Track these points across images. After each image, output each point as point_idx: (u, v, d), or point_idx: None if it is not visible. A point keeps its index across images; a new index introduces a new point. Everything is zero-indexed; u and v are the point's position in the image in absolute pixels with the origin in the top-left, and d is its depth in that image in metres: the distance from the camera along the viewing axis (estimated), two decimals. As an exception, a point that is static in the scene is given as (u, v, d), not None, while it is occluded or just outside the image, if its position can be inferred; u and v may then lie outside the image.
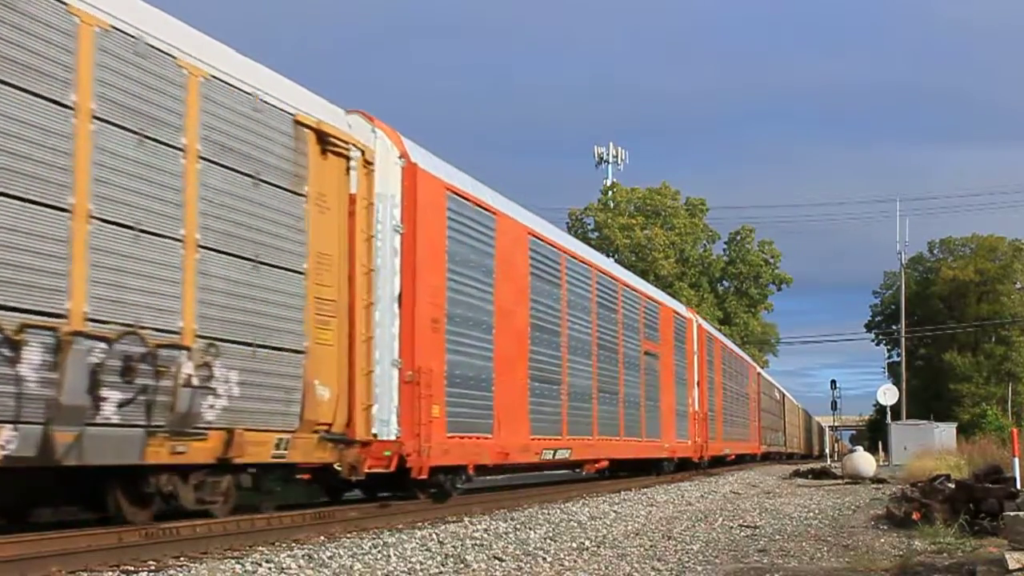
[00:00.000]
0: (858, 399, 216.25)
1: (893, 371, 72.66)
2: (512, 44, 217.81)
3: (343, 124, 11.63)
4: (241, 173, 9.77)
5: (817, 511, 16.16)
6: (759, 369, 49.23)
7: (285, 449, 10.26)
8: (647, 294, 24.89)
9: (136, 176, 8.49)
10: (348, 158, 11.49)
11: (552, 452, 17.05)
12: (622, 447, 21.48)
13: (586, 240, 53.54)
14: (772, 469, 39.50)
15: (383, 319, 11.97)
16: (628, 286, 22.92)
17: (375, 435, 11.68)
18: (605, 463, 21.02)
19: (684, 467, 28.69)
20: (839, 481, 27.85)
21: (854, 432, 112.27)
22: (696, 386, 29.35)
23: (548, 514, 13.70)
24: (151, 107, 8.71)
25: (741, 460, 40.38)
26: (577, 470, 21.50)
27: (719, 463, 35.26)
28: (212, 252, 9.34)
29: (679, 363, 27.33)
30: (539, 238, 17.08)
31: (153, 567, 7.78)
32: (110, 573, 7.46)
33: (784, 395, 61.36)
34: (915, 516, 12.69)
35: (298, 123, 10.67)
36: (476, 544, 10.05)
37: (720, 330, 46.46)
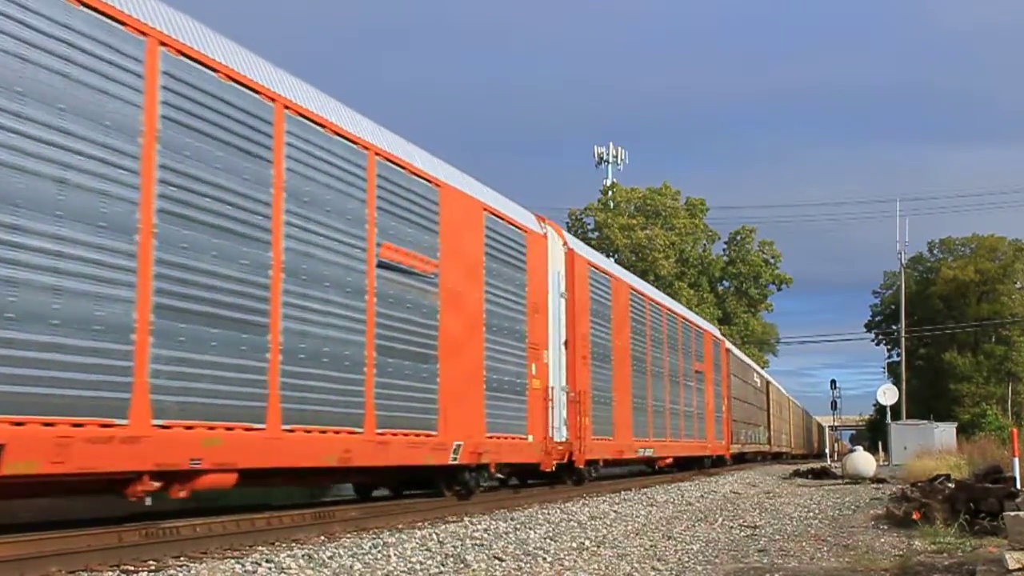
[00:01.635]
0: (858, 399, 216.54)
1: (893, 371, 72.67)
2: (512, 44, 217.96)
3: None
4: None
5: (817, 511, 16.17)
6: (728, 344, 37.34)
7: None
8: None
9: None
10: None
11: None
12: (271, 448, 9.84)
13: (586, 240, 53.54)
14: (772, 469, 39.50)
15: None
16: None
17: None
18: (230, 478, 9.51)
19: (536, 476, 18.17)
20: (839, 481, 27.86)
21: (854, 432, 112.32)
22: (562, 348, 17.86)
23: (548, 514, 13.70)
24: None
25: (689, 465, 29.85)
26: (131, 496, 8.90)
27: (648, 472, 26.43)
28: None
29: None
30: None
31: (153, 567, 7.79)
32: (110, 573, 7.47)
33: (768, 382, 51.02)
34: (915, 516, 12.71)
35: None
36: (476, 544, 10.05)
37: (720, 330, 45.32)
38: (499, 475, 15.81)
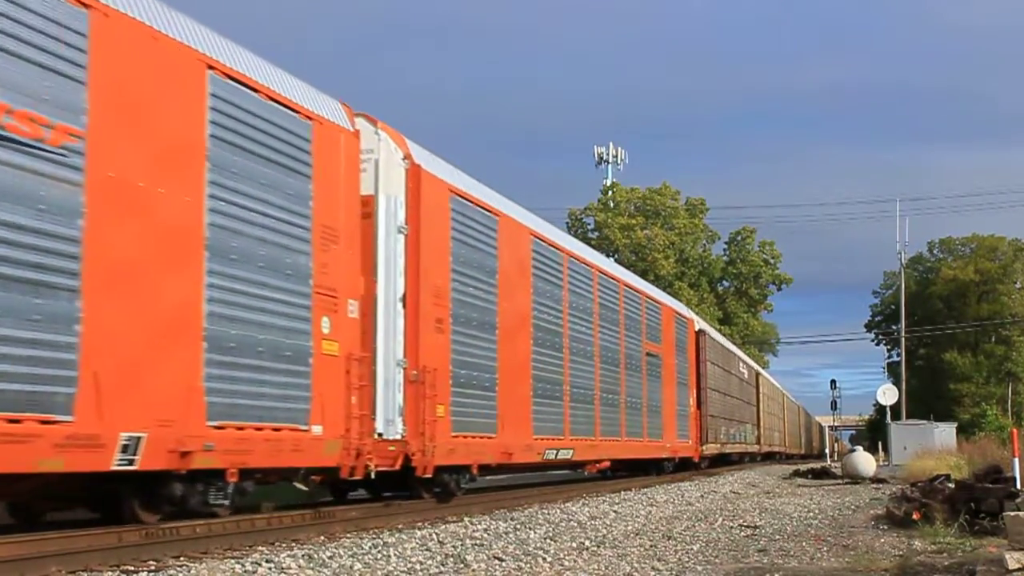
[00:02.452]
0: (858, 399, 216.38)
1: (893, 371, 72.68)
2: (512, 45, 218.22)
3: None
4: None
5: (817, 511, 16.17)
6: (701, 324, 31.70)
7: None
8: None
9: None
10: None
11: None
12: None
13: (586, 240, 53.63)
14: (772, 469, 39.51)
15: None
16: None
17: None
18: None
19: (392, 487, 13.62)
20: (839, 481, 27.86)
21: (854, 432, 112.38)
22: (397, 304, 12.78)
23: (548, 514, 13.71)
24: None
25: (646, 469, 24.93)
26: None
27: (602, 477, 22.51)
28: None
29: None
30: None
31: (153, 567, 7.80)
32: (110, 573, 7.48)
33: (759, 374, 45.60)
34: (915, 516, 12.71)
35: None
36: (476, 544, 10.06)
37: (719, 330, 45.17)
38: (302, 486, 11.39)
